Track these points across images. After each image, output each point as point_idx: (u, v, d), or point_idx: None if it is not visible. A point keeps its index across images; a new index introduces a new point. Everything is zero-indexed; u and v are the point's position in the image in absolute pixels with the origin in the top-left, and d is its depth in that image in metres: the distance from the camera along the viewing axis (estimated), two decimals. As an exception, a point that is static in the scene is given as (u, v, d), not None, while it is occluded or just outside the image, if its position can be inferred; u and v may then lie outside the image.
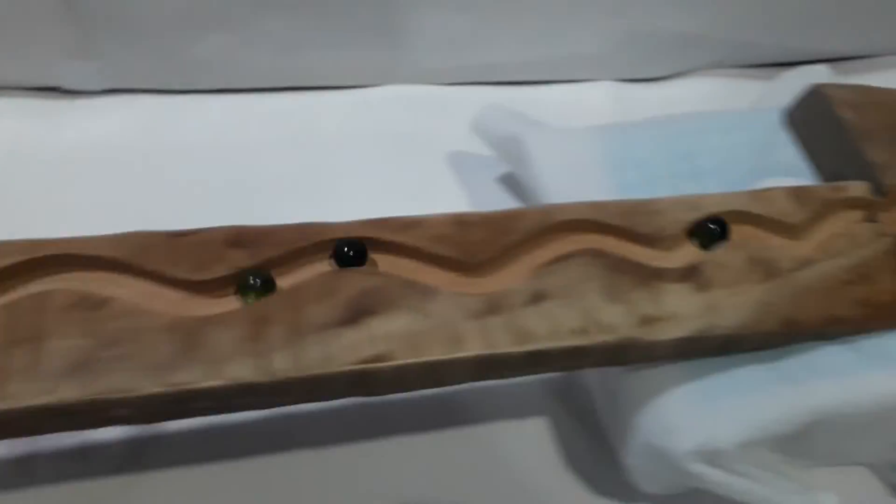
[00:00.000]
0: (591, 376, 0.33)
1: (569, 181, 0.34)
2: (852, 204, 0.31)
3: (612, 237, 0.29)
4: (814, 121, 0.35)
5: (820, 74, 0.43)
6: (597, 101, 0.48)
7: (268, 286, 0.25)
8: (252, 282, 0.25)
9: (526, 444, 0.32)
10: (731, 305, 0.27)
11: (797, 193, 0.31)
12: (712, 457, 0.27)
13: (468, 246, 0.27)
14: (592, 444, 0.32)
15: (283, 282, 0.26)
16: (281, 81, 0.45)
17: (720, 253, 0.29)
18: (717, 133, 0.35)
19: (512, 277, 0.27)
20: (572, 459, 0.32)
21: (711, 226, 0.29)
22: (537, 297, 0.26)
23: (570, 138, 0.35)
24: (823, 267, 0.29)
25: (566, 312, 0.26)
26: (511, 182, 0.42)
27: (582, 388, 0.34)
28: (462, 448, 0.32)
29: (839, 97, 0.34)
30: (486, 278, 0.27)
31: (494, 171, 0.43)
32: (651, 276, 0.28)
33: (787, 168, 0.34)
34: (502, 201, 0.42)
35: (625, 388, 0.30)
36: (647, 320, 0.27)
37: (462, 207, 0.43)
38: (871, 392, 0.29)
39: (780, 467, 0.29)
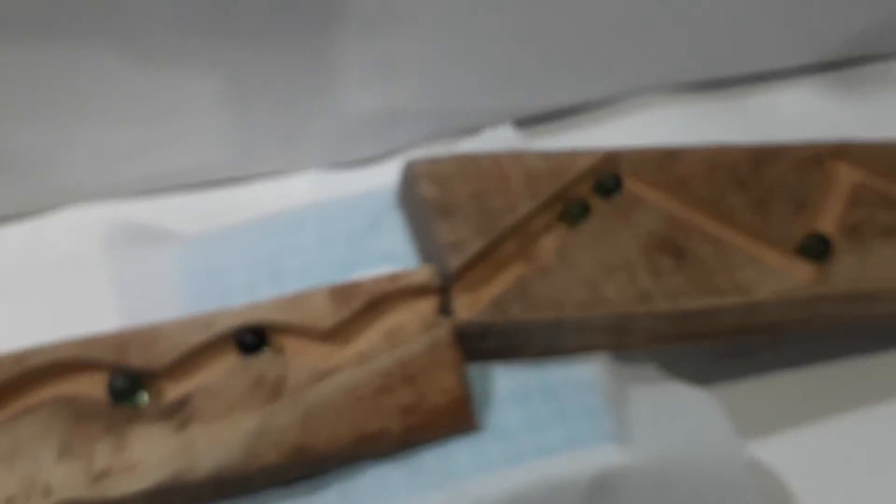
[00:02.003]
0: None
1: (144, 303, 0.31)
2: (417, 293, 0.28)
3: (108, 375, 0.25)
4: (408, 200, 0.31)
5: (504, 137, 0.40)
6: (301, 194, 0.44)
7: None
8: None
9: None
10: (212, 442, 0.24)
11: (338, 292, 0.27)
12: None
13: None
14: None
15: None
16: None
17: (217, 379, 0.25)
18: (310, 227, 0.32)
19: None
20: None
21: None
22: (-28, 467, 0.23)
23: (147, 256, 0.32)
24: (350, 375, 0.25)
25: (5, 478, 0.23)
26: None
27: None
28: None
29: (426, 172, 0.31)
30: None
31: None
32: (128, 421, 0.24)
33: (386, 255, 0.31)
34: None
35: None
36: (103, 475, 0.23)
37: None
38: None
39: None
